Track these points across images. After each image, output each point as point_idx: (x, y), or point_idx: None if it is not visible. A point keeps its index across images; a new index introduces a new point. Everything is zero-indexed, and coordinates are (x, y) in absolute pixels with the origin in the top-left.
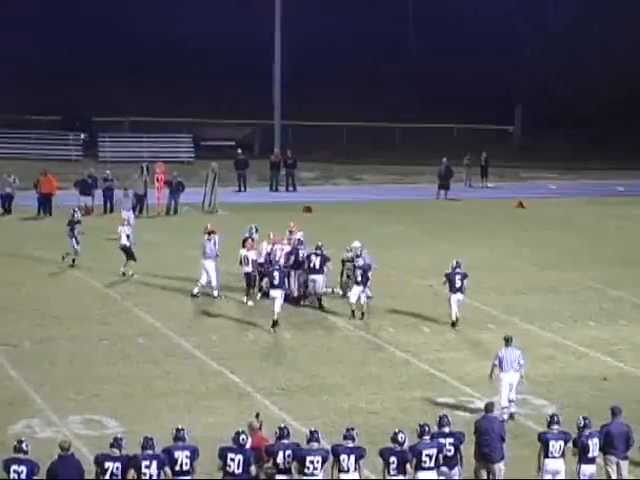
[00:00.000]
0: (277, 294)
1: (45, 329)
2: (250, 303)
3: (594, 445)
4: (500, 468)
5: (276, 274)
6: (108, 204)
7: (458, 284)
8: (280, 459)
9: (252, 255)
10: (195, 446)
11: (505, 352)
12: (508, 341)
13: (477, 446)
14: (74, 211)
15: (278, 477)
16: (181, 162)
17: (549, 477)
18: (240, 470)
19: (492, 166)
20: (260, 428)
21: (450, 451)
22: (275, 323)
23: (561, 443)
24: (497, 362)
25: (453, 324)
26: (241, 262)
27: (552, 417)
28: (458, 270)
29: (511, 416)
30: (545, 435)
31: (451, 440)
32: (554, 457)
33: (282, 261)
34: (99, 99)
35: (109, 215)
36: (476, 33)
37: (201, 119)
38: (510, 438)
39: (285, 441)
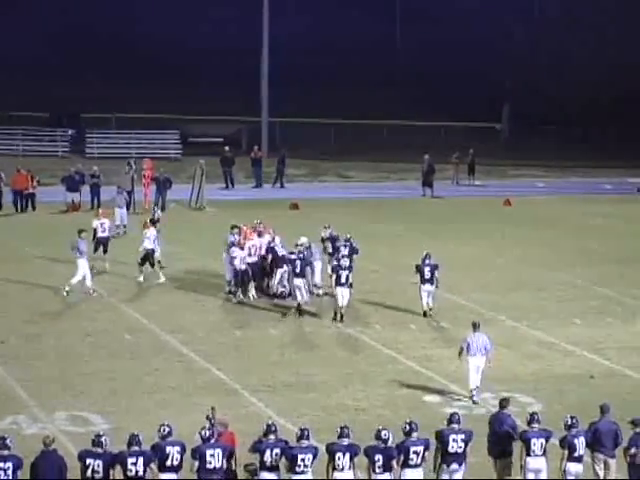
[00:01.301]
0: (300, 283)
1: (32, 325)
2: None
3: (581, 444)
4: (511, 462)
5: (298, 263)
6: (95, 200)
7: (428, 275)
8: (267, 456)
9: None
10: (184, 442)
11: (473, 337)
12: (475, 326)
13: (491, 441)
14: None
15: (264, 475)
16: (168, 158)
17: (532, 476)
18: (220, 464)
19: (479, 164)
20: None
21: (461, 448)
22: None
23: (542, 441)
24: (465, 346)
25: (424, 314)
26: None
27: (532, 415)
28: (428, 262)
29: (474, 402)
30: (526, 434)
31: (462, 437)
32: (536, 455)
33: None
34: (86, 95)
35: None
36: (464, 31)
37: (188, 115)
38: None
39: (272, 437)
